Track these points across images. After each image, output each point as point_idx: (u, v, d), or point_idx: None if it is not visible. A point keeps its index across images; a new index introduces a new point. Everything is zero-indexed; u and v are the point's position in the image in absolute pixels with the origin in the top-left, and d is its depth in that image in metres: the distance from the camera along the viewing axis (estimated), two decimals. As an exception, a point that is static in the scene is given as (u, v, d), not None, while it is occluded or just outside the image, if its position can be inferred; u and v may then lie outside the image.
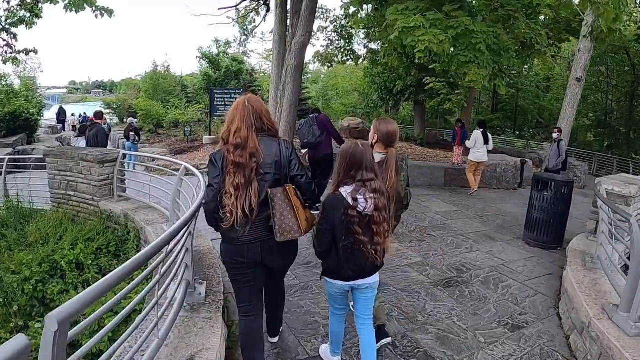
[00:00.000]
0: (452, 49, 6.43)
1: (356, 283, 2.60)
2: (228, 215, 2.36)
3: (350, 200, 2.38)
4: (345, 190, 2.42)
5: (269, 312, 3.07)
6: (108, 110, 25.80)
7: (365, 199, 2.39)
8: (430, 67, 16.36)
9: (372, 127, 3.07)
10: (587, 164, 16.74)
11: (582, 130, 26.23)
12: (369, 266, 2.53)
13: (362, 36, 21.74)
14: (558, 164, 9.44)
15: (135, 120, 13.60)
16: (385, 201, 2.45)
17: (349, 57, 13.99)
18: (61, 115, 25.16)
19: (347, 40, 13.74)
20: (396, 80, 15.91)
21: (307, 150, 7.12)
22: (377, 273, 2.67)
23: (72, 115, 31.38)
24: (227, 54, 25.43)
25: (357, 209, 2.38)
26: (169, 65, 24.63)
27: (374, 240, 2.46)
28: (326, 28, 14.33)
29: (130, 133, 12.85)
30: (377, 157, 2.78)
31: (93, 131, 8.13)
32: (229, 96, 14.66)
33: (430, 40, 6.01)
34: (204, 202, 2.52)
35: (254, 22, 15.13)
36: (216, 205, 2.41)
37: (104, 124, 8.05)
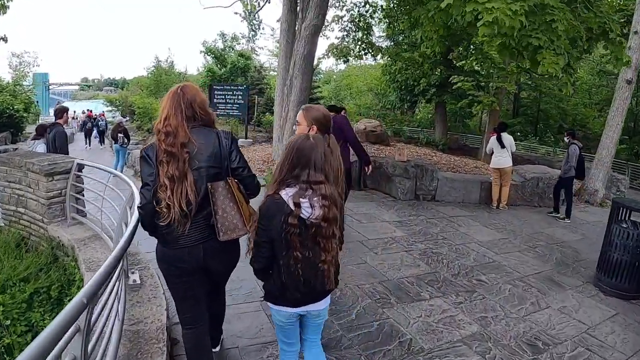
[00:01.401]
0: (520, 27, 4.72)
1: (306, 309, 2.20)
2: (164, 210, 2.16)
3: (291, 205, 1.98)
4: (287, 193, 2.01)
5: (209, 321, 2.68)
6: (110, 108, 24.53)
7: (311, 205, 2.01)
8: (458, 64, 14.76)
9: (300, 119, 2.83)
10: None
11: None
12: (318, 288, 2.13)
13: (379, 32, 20.32)
14: (567, 169, 8.45)
15: (125, 119, 12.05)
16: (337, 212, 2.07)
17: (367, 51, 12.27)
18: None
19: (366, 32, 12.03)
20: (420, 78, 14.23)
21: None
22: (329, 296, 2.28)
23: (74, 112, 30.15)
24: (233, 49, 23.90)
25: (300, 215, 1.98)
26: (172, 61, 23.09)
27: (321, 257, 2.06)
28: (342, 17, 12.67)
29: (119, 135, 11.32)
30: None
31: (52, 133, 6.55)
32: (231, 93, 13.10)
33: (501, 10, 4.33)
34: (139, 205, 2.25)
35: (259, 5, 13.38)
36: (153, 206, 2.18)
37: (73, 123, 6.41)
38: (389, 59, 17.93)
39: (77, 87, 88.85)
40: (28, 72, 25.25)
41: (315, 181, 2.03)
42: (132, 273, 3.51)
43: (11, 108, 13.86)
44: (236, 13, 31.10)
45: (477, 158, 17.68)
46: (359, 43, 12.46)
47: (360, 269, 5.05)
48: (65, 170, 5.26)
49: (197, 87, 2.45)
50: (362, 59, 13.17)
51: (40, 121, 20.07)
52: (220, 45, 24.55)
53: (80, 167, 5.32)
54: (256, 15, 30.68)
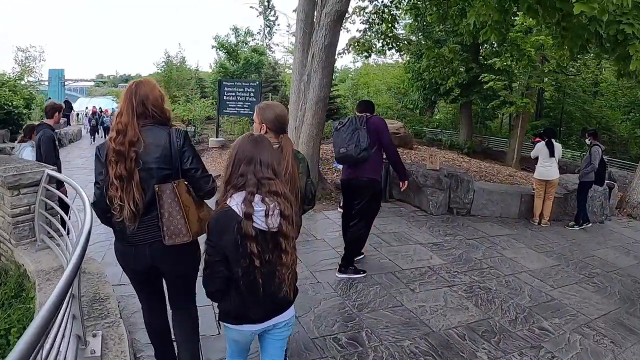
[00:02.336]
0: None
1: (270, 324, 1.99)
2: (117, 208, 2.16)
3: (239, 212, 1.79)
4: (236, 202, 1.81)
5: (178, 345, 2.58)
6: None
7: (266, 204, 1.80)
8: (489, 61, 13.58)
9: (255, 117, 2.63)
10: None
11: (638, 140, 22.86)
12: (279, 296, 1.93)
13: (399, 28, 19.08)
14: (587, 171, 7.80)
15: (93, 123, 11.11)
16: (292, 211, 1.88)
17: (391, 45, 11.16)
18: (65, 109, 23.01)
19: (390, 24, 10.91)
20: (448, 77, 13.08)
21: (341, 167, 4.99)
22: (291, 308, 2.07)
23: (86, 108, 29.58)
24: (246, 44, 22.94)
25: (254, 223, 1.78)
26: (183, 57, 22.17)
27: (282, 260, 1.87)
28: (364, 9, 11.53)
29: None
30: None
31: (38, 135, 5.54)
32: (242, 90, 12.07)
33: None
34: (91, 203, 2.31)
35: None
36: (106, 204, 2.20)
37: (65, 123, 5.38)
38: (411, 56, 16.87)
39: (92, 83, 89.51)
40: (34, 67, 24.54)
41: (264, 177, 1.85)
42: (94, 336, 2.52)
43: (10, 104, 13.03)
44: (252, 7, 30.12)
45: (505, 163, 16.56)
46: (382, 37, 11.34)
47: (397, 314, 4.01)
48: (33, 183, 4.30)
49: (155, 84, 2.37)
50: (385, 54, 12.07)
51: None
52: (233, 40, 23.58)
53: (52, 179, 4.33)
54: (273, 11, 29.81)
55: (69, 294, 1.88)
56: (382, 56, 11.98)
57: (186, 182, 2.30)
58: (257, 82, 12.69)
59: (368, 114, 4.52)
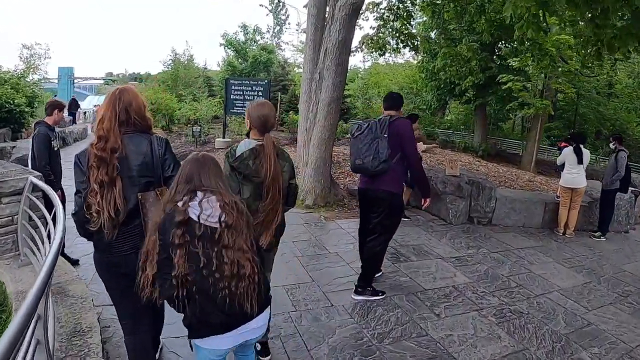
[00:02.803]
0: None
1: (238, 336, 1.92)
2: (94, 215, 2.11)
3: (180, 211, 1.79)
4: (180, 204, 1.83)
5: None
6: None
7: (201, 206, 1.82)
8: (508, 61, 13.00)
9: (246, 113, 2.71)
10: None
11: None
12: (238, 310, 1.84)
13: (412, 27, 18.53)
14: (614, 180, 7.35)
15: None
16: (241, 220, 1.88)
17: (406, 43, 10.63)
18: (72, 107, 22.70)
19: (405, 21, 10.39)
20: (465, 76, 12.52)
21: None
22: (262, 316, 1.98)
23: (94, 106, 29.33)
24: (255, 42, 22.47)
25: (189, 217, 1.79)
26: (191, 55, 21.74)
27: (223, 269, 1.79)
28: (378, 4, 10.99)
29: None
30: (253, 144, 2.61)
31: (33, 133, 5.13)
32: (250, 89, 11.61)
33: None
34: (73, 212, 2.21)
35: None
36: (84, 214, 2.14)
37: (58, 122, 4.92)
38: (424, 55, 16.31)
39: (102, 82, 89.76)
40: (39, 65, 24.22)
41: (206, 186, 1.88)
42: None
43: (12, 102, 12.65)
44: (261, 5, 29.69)
45: (521, 167, 15.99)
46: (397, 34, 10.82)
47: (422, 346, 3.53)
48: (16, 191, 3.87)
49: (137, 92, 2.38)
50: (399, 53, 11.54)
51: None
52: (241, 37, 23.12)
53: (35, 187, 3.90)
54: (284, 9, 29.42)
55: (33, 321, 1.67)
56: (394, 55, 11.44)
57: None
58: (266, 81, 12.21)
59: (392, 115, 4.00)
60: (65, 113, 22.55)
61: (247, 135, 2.78)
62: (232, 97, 11.82)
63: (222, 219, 1.84)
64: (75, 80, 75.03)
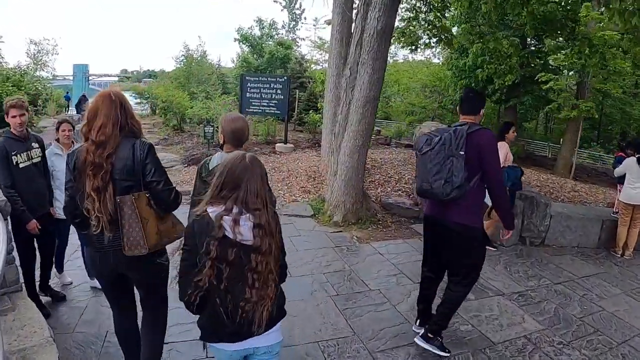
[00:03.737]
0: None
1: (247, 346, 1.92)
2: (95, 220, 2.20)
3: (214, 224, 1.75)
4: (214, 211, 1.78)
5: (143, 341, 2.60)
6: (138, 100, 22.77)
7: (236, 223, 1.75)
8: (551, 58, 11.92)
9: (219, 127, 2.70)
10: None
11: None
12: (246, 327, 1.84)
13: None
14: None
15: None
16: (272, 243, 1.82)
17: (440, 37, 9.57)
18: (81, 104, 22.05)
19: (439, 12, 9.34)
20: (505, 74, 11.44)
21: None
22: (275, 333, 1.98)
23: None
24: (271, 37, 21.51)
25: (225, 234, 1.75)
26: (204, 51, 20.89)
27: (245, 294, 1.78)
28: (410, -6, 9.93)
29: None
30: None
31: None
32: (268, 86, 10.64)
33: None
34: (63, 207, 2.39)
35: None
36: (74, 208, 2.27)
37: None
38: (453, 52, 15.24)
39: (116, 79, 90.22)
40: (47, 61, 23.61)
41: (247, 203, 1.78)
42: None
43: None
44: (275, 1, 28.81)
45: (555, 172, 14.84)
46: (430, 28, 9.76)
47: None
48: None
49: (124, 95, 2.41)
50: (431, 48, 10.50)
51: (65, 115, 18.17)
52: (257, 32, 22.14)
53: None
54: (298, 3, 28.48)
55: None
56: (425, 50, 10.36)
57: (148, 195, 2.30)
58: (285, 78, 11.19)
59: (471, 122, 3.01)
60: (74, 111, 21.74)
61: (221, 147, 2.74)
62: (247, 95, 10.86)
63: (255, 242, 1.79)
64: (90, 77, 75.61)
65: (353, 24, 8.72)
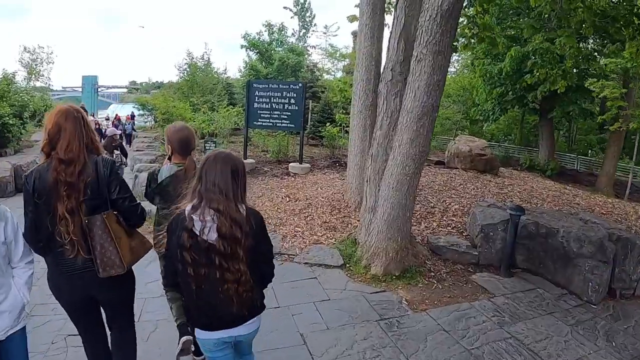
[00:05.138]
0: None
1: (229, 334, 2.08)
2: (68, 246, 2.17)
3: (187, 220, 1.94)
4: (188, 208, 1.97)
5: None
6: (141, 112, 21.54)
7: (202, 219, 1.92)
8: (605, 61, 10.37)
9: (165, 138, 2.84)
10: None
11: None
12: (227, 313, 2.02)
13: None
14: None
15: (120, 129, 8.53)
16: (236, 231, 1.93)
17: (482, 37, 8.04)
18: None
19: (482, 6, 7.82)
20: (558, 80, 9.90)
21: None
22: (252, 322, 2.14)
23: (107, 118, 27.52)
24: (282, 43, 20.09)
25: (192, 229, 1.93)
26: (209, 58, 19.51)
27: (221, 276, 1.94)
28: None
29: (115, 152, 7.66)
30: (174, 169, 2.74)
31: None
32: (279, 95, 9.03)
33: None
34: (23, 232, 2.24)
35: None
36: (36, 233, 2.19)
37: None
38: (483, 57, 13.76)
39: (125, 90, 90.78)
40: (41, 70, 22.38)
41: (209, 194, 1.94)
42: None
43: (-9, 115, 10.46)
44: (285, 8, 27.51)
45: (597, 189, 13.22)
46: (470, 26, 8.25)
47: None
48: None
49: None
50: (471, 50, 8.98)
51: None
52: (265, 38, 20.70)
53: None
54: (309, 10, 27.18)
55: None
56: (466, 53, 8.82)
57: (115, 212, 2.29)
58: (300, 85, 9.36)
59: None
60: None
61: (169, 158, 2.78)
62: (255, 105, 9.20)
63: (221, 234, 1.91)
64: (100, 89, 75.76)
65: (388, 16, 7.24)
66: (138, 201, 2.39)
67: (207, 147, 9.39)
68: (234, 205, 1.92)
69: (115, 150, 7.81)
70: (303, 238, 5.46)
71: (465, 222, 6.21)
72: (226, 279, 1.91)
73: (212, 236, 1.88)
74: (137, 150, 15.21)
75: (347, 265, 4.84)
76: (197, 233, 1.87)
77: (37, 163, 3.43)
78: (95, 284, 2.23)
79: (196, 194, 1.92)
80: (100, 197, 2.20)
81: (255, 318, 2.11)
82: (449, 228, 5.88)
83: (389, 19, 6.67)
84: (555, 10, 8.63)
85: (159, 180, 2.71)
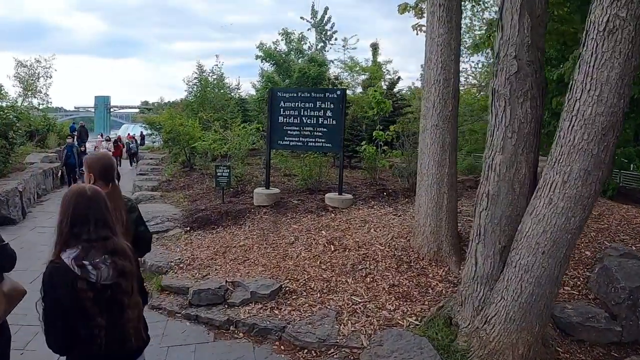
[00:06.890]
0: None
1: None
2: None
3: (76, 270, 1.80)
4: (69, 256, 1.81)
5: None
6: (149, 131, 20.27)
7: (96, 266, 1.83)
8: None
9: (85, 168, 2.67)
10: None
11: None
12: (128, 349, 1.99)
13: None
14: None
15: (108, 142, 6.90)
16: (132, 265, 1.95)
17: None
18: (82, 135, 19.49)
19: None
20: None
21: None
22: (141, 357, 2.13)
23: (108, 139, 26.41)
24: (301, 53, 18.65)
25: (88, 279, 1.82)
26: (222, 73, 18.05)
27: (125, 315, 1.92)
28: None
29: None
30: None
31: None
32: (312, 105, 7.19)
33: None
34: None
35: None
36: None
37: None
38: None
39: (137, 110, 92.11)
40: (38, 87, 20.96)
41: (98, 237, 1.86)
42: None
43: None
44: (302, 18, 26.21)
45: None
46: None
47: None
48: None
49: None
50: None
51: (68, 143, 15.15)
52: (282, 47, 19.23)
53: None
54: (328, 23, 25.81)
55: None
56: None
57: None
58: (340, 92, 7.55)
59: None
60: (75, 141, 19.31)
61: None
62: (280, 119, 7.44)
63: (120, 272, 1.87)
64: (112, 109, 76.23)
65: None
66: (6, 242, 2.36)
67: (218, 173, 7.64)
68: (119, 237, 1.92)
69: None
70: (367, 316, 3.71)
71: (587, 276, 4.46)
72: (129, 317, 1.91)
73: (109, 278, 1.84)
74: (140, 174, 13.89)
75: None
76: (94, 280, 1.80)
77: (19, 190, 3.00)
78: None
79: (73, 239, 1.80)
80: None
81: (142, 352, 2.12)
82: (579, 295, 4.10)
83: None
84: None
85: None
